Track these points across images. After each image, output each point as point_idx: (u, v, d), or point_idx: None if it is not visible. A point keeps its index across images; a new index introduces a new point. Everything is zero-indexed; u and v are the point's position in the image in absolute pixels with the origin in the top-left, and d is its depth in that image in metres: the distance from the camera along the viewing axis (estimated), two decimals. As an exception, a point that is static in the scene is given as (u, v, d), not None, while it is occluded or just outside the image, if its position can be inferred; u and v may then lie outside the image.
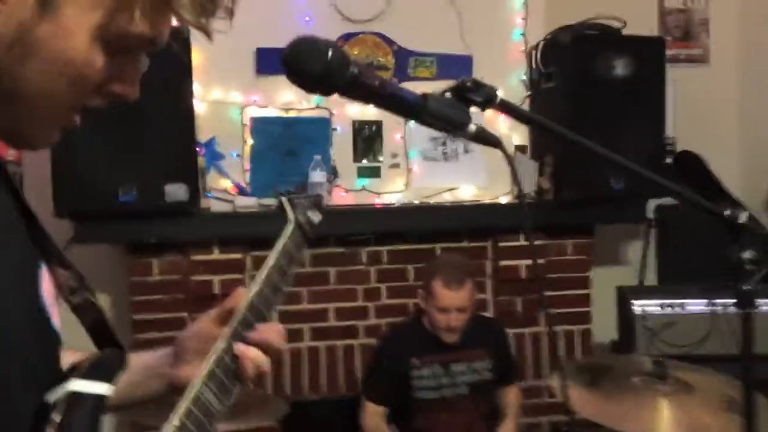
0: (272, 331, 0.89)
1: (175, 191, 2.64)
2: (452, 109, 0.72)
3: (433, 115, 0.71)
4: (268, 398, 2.52)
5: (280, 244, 0.97)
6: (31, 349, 0.69)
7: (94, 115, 0.71)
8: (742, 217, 0.86)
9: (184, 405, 0.80)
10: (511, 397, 2.73)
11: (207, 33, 0.68)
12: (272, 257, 0.95)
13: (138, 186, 2.58)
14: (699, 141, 3.56)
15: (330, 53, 0.67)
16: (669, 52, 3.25)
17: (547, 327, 3.09)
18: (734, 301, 2.46)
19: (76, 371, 0.74)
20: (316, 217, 1.04)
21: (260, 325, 0.88)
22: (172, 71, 2.60)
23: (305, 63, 0.68)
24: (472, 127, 0.73)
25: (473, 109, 0.76)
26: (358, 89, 0.68)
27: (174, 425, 0.78)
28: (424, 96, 0.71)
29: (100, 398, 0.73)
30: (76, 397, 0.72)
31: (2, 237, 0.68)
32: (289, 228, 1.00)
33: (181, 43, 2.72)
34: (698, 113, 3.56)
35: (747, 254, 0.89)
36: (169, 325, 2.87)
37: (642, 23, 3.31)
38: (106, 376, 0.74)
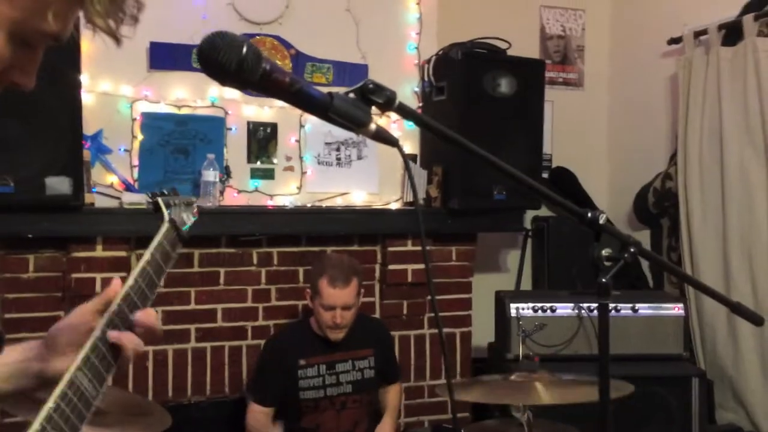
0: (148, 316, 0.92)
1: (57, 184, 2.53)
2: (355, 108, 0.78)
3: (338, 113, 0.77)
4: (152, 409, 2.45)
5: (155, 242, 1.02)
6: None
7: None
8: (602, 219, 0.99)
9: (59, 389, 0.82)
10: (391, 395, 2.83)
11: (116, 38, 0.71)
12: (148, 253, 1.00)
13: (17, 177, 2.45)
14: (572, 158, 3.86)
15: (245, 49, 0.71)
16: (548, 75, 3.51)
17: (438, 329, 3.22)
18: (597, 305, 2.68)
19: None
20: (190, 219, 1.10)
21: (137, 312, 0.91)
22: (59, 59, 2.51)
23: (221, 57, 0.72)
24: (372, 126, 0.80)
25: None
26: (269, 85, 0.73)
27: (49, 407, 0.80)
28: (330, 95, 0.77)
29: None
30: None
31: None
32: (164, 227, 1.04)
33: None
34: (572, 133, 3.86)
35: (605, 251, 1.01)
36: (43, 325, 2.73)
37: (525, 46, 3.56)
38: None
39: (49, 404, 0.81)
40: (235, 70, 0.71)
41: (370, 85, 0.80)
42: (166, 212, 1.07)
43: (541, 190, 1.01)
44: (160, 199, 1.09)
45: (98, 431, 2.14)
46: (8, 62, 0.69)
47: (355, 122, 0.78)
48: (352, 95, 0.79)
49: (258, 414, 2.61)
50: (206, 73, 0.73)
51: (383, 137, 0.83)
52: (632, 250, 1.01)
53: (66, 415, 0.82)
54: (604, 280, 0.98)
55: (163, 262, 1.02)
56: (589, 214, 1.00)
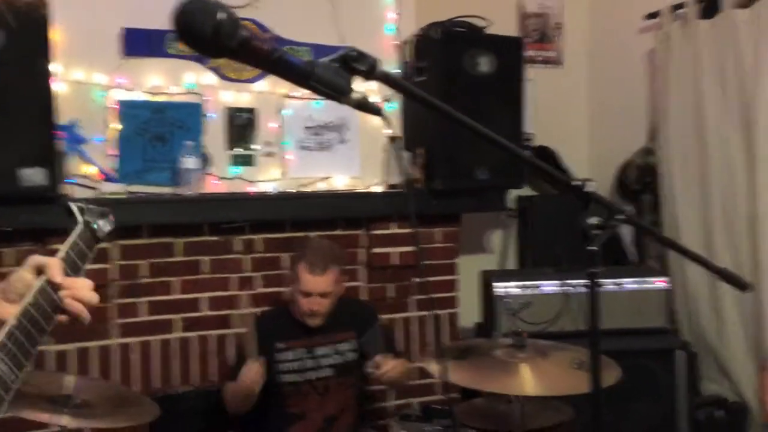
0: (83, 287, 0.98)
1: (32, 176, 2.47)
2: (337, 76, 0.76)
3: (320, 81, 0.75)
4: (139, 400, 2.43)
5: (70, 240, 1.08)
6: None
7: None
8: (590, 187, 0.98)
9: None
10: None
11: None
12: (62, 251, 1.04)
13: (-11, 169, 2.40)
14: (553, 136, 3.86)
15: (220, 14, 0.69)
16: (527, 53, 3.49)
17: (431, 311, 3.21)
18: (582, 282, 2.70)
19: None
20: (106, 226, 1.18)
21: (70, 280, 0.96)
22: (29, 48, 2.46)
23: (196, 23, 0.69)
24: (355, 95, 0.78)
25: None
26: (248, 52, 0.71)
27: None
28: (312, 63, 0.75)
29: None
30: None
31: None
32: (78, 228, 1.11)
33: (38, 18, 2.60)
34: (552, 111, 3.86)
35: (593, 220, 1.01)
36: (25, 320, 2.69)
37: (503, 25, 3.54)
38: None
39: None
40: (211, 35, 0.68)
41: (353, 53, 0.78)
42: (79, 216, 1.13)
43: (531, 160, 1.00)
44: (71, 205, 1.15)
45: (85, 422, 2.11)
46: None
47: (338, 90, 0.76)
48: (334, 64, 0.77)
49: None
50: (182, 41, 0.70)
51: (366, 106, 0.81)
52: (622, 216, 1.01)
53: None
54: (594, 248, 0.97)
55: (80, 259, 1.07)
56: (577, 183, 0.99)
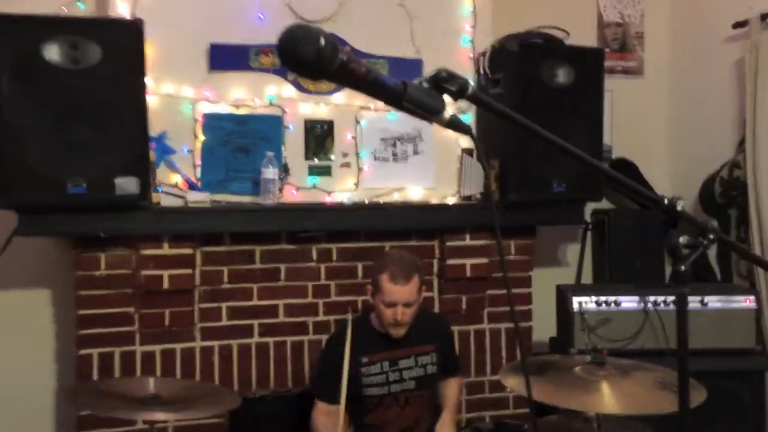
0: None
1: (126, 185, 2.62)
2: (429, 96, 0.78)
3: (413, 102, 0.77)
4: (219, 391, 2.53)
5: None
6: None
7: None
8: (679, 205, 0.96)
9: None
10: (452, 389, 2.81)
11: None
12: None
13: (88, 179, 2.55)
14: (632, 149, 3.76)
15: (323, 40, 0.72)
16: (606, 64, 3.42)
17: (513, 324, 3.20)
18: (664, 298, 2.61)
19: None
20: None
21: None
22: (126, 64, 2.60)
23: (300, 49, 0.73)
24: (446, 114, 0.80)
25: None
26: (346, 75, 0.74)
27: None
28: (404, 83, 0.77)
29: None
30: None
31: None
32: None
33: (134, 35, 2.75)
34: (632, 122, 3.77)
35: (682, 239, 0.99)
36: (116, 321, 2.84)
37: (582, 35, 3.49)
38: None
39: None
40: (314, 60, 0.72)
41: (443, 74, 0.80)
42: None
43: (617, 177, 0.99)
44: None
45: (174, 416, 2.19)
46: None
47: (429, 110, 0.79)
48: (425, 84, 0.79)
49: (325, 413, 2.58)
50: (286, 65, 0.74)
51: (457, 125, 0.83)
52: (712, 237, 0.98)
53: None
54: (683, 268, 0.95)
55: None
56: (666, 200, 0.97)
